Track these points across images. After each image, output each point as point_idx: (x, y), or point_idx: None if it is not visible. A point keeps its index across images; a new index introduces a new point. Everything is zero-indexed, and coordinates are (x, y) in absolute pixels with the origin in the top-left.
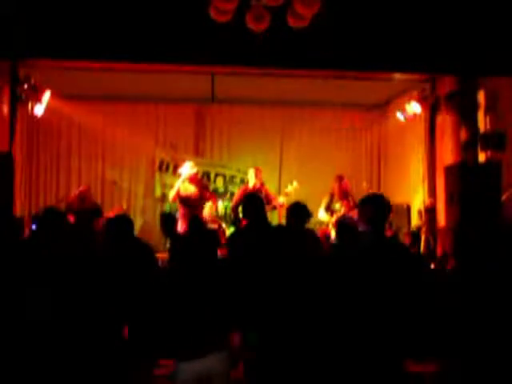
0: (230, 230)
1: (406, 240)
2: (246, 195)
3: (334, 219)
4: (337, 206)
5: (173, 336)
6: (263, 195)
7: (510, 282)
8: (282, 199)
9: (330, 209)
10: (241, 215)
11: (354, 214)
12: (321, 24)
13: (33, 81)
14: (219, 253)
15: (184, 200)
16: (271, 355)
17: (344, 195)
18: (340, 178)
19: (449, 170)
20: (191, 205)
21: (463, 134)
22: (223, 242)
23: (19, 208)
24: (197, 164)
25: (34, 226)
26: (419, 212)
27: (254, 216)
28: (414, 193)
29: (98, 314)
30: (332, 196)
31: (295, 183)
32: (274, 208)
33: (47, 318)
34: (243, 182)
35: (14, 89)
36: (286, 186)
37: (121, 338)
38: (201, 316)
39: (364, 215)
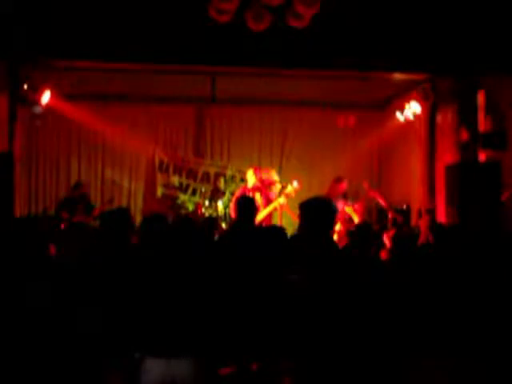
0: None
1: None
2: (238, 197)
3: None
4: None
5: (145, 328)
6: (263, 196)
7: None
8: (282, 200)
9: None
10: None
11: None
12: (321, 24)
13: (33, 81)
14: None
15: None
16: None
17: (342, 196)
18: (339, 180)
19: (449, 170)
20: None
21: (463, 134)
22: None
23: (19, 208)
24: (197, 164)
25: None
26: (419, 212)
27: (241, 217)
28: (414, 193)
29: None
30: (329, 196)
31: (295, 183)
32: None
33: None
34: (243, 182)
35: (14, 89)
36: (286, 187)
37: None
38: (176, 313)
39: (303, 219)
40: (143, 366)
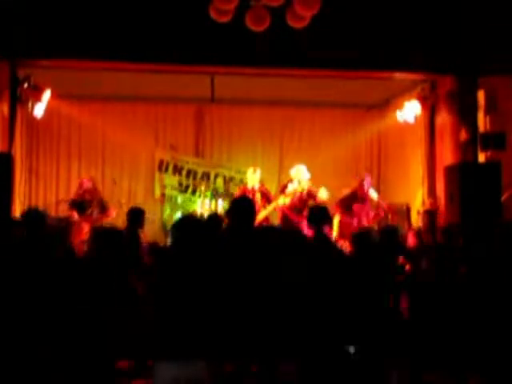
0: None
1: None
2: (234, 198)
3: None
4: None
5: (158, 332)
6: (263, 196)
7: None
8: (282, 200)
9: (349, 207)
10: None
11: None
12: (321, 24)
13: (33, 81)
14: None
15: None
16: None
17: (364, 197)
18: (361, 179)
19: (449, 170)
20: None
21: (463, 134)
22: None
23: (19, 208)
24: (196, 164)
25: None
26: (418, 212)
27: (237, 219)
28: (414, 193)
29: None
30: (354, 195)
31: (295, 184)
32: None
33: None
34: (243, 182)
35: (14, 89)
36: (286, 187)
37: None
38: (187, 316)
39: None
40: (155, 371)
